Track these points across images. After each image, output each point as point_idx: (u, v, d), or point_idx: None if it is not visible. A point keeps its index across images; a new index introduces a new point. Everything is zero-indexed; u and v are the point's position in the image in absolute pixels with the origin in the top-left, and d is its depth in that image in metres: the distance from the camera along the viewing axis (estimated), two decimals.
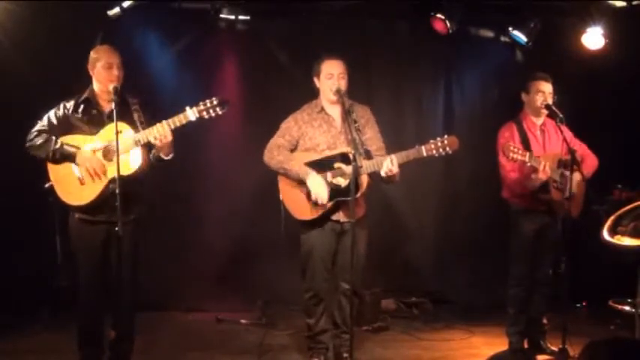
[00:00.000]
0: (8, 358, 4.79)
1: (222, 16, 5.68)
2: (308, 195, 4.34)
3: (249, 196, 6.06)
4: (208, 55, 6.11)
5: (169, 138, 3.95)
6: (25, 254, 5.54)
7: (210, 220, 6.14)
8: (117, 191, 3.70)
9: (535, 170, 4.44)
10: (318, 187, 4.28)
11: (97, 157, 3.95)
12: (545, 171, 4.41)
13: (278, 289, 5.96)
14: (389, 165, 4.17)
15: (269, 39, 6.16)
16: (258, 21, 5.84)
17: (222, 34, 5.93)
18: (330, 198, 4.30)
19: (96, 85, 4.10)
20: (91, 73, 4.10)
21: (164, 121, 3.94)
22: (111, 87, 3.91)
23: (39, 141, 3.99)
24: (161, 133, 3.91)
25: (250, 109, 5.99)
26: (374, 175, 4.33)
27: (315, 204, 4.32)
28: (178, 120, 3.95)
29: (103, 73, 4.03)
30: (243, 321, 5.71)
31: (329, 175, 4.31)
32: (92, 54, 4.10)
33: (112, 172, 3.86)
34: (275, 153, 4.43)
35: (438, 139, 4.18)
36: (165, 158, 4.04)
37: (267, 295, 5.89)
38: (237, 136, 6.05)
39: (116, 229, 3.71)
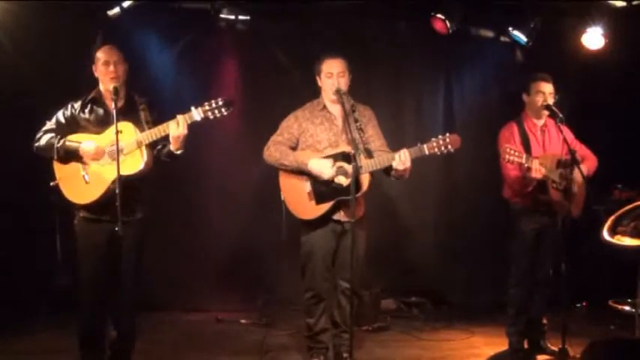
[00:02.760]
0: (8, 358, 4.79)
1: (222, 16, 5.68)
2: (310, 194, 4.35)
3: (249, 196, 6.06)
4: (208, 55, 6.12)
5: (185, 132, 3.93)
6: (25, 254, 5.54)
7: (211, 220, 6.14)
8: (117, 191, 3.70)
9: (530, 170, 4.44)
10: (322, 166, 4.28)
11: (100, 148, 3.95)
12: (537, 170, 4.40)
13: (278, 289, 5.97)
14: (401, 158, 4.16)
15: (269, 39, 6.17)
16: (258, 21, 5.84)
17: (222, 34, 5.93)
18: (332, 197, 4.30)
19: (101, 85, 4.12)
20: (95, 73, 4.12)
21: (180, 116, 3.94)
22: (111, 87, 3.91)
23: (44, 141, 4.02)
24: (181, 125, 3.91)
25: (250, 108, 5.99)
26: (376, 172, 4.33)
27: (319, 200, 4.31)
28: (183, 119, 3.96)
29: (102, 71, 4.04)
30: (243, 321, 5.72)
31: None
32: (96, 54, 4.11)
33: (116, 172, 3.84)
34: (273, 150, 4.44)
35: (440, 137, 4.17)
36: (177, 153, 4.03)
37: (267, 295, 5.89)
38: (237, 135, 6.04)
39: (116, 229, 3.70)
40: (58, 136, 4.00)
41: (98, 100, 4.09)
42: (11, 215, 5.45)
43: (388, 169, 4.28)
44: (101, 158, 3.96)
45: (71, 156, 3.99)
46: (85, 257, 4.07)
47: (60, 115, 4.08)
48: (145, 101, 4.14)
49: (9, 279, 5.43)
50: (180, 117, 3.93)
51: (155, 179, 4.09)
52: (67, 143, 3.98)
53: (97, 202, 3.97)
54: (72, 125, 4.05)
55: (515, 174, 4.65)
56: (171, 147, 3.99)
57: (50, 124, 4.07)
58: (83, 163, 3.99)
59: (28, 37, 5.47)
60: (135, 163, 3.95)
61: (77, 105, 4.09)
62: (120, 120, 3.86)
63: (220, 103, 3.96)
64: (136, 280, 4.11)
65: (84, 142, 3.97)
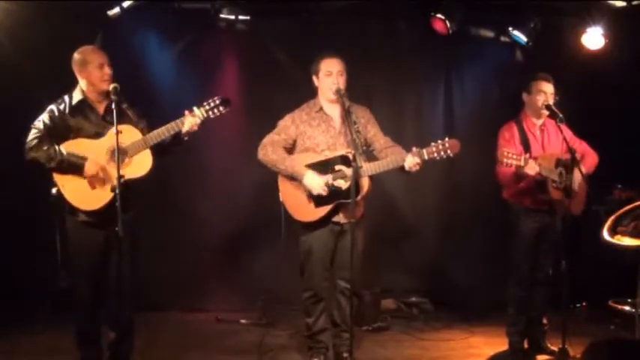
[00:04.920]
0: (8, 358, 4.79)
1: (222, 16, 5.69)
2: (309, 196, 4.35)
3: (249, 195, 6.05)
4: (208, 55, 6.11)
5: (195, 128, 4.03)
6: (25, 254, 5.53)
7: (211, 220, 6.13)
8: (117, 191, 3.69)
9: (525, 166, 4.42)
10: (315, 184, 4.27)
11: (105, 167, 3.93)
12: (532, 168, 4.38)
13: (278, 289, 5.96)
14: (415, 160, 4.17)
15: (269, 39, 6.17)
16: (258, 21, 5.85)
17: (222, 34, 5.93)
18: (331, 200, 4.30)
19: (86, 87, 4.05)
20: (78, 75, 4.06)
21: (196, 109, 4.03)
22: (111, 87, 3.88)
23: (42, 148, 3.92)
24: (194, 121, 3.99)
25: (250, 108, 5.99)
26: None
27: (317, 203, 4.31)
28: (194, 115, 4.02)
29: (97, 74, 4.01)
30: (243, 321, 5.72)
31: (330, 177, 4.30)
32: (78, 56, 4.05)
33: (124, 174, 3.81)
34: (269, 150, 4.42)
35: (439, 141, 4.16)
36: (185, 139, 4.09)
37: (267, 295, 5.89)
38: (236, 135, 6.04)
39: (116, 228, 3.69)
40: (57, 147, 3.92)
41: (86, 103, 4.05)
42: (11, 215, 5.44)
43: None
44: (103, 179, 3.93)
45: (73, 169, 3.93)
46: (83, 260, 4.07)
47: (47, 120, 3.98)
48: (125, 99, 4.11)
49: (9, 279, 5.43)
50: (192, 113, 4.00)
51: (147, 177, 4.08)
52: (72, 158, 3.91)
53: (104, 207, 3.93)
54: (61, 129, 3.98)
55: (505, 170, 4.59)
56: (182, 135, 4.05)
57: (39, 131, 3.96)
58: (77, 151, 3.94)
59: (28, 37, 5.47)
60: (144, 164, 3.96)
61: (63, 108, 4.02)
62: (111, 121, 3.83)
63: (217, 102, 4.04)
64: (132, 279, 4.10)
65: (89, 160, 3.92)
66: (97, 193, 3.95)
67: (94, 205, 3.96)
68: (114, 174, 3.87)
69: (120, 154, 3.78)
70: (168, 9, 5.83)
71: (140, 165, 3.94)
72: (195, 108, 4.00)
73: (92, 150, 3.97)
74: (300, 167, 4.32)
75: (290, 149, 4.47)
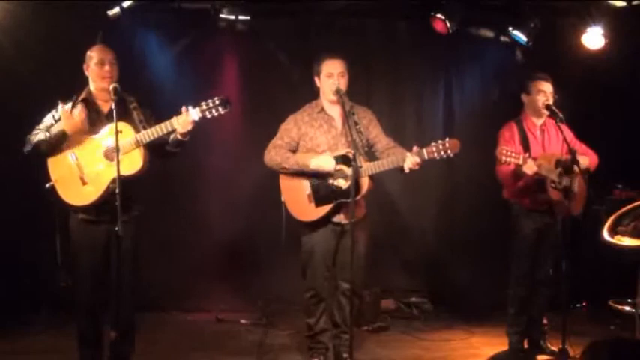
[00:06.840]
0: (8, 358, 4.80)
1: (222, 16, 5.68)
2: (309, 196, 4.35)
3: (250, 196, 6.06)
4: (208, 55, 6.11)
5: (189, 127, 3.95)
6: (25, 254, 5.54)
7: (211, 220, 6.14)
8: (117, 191, 3.69)
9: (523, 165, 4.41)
10: (323, 160, 4.28)
11: (81, 117, 3.94)
12: (530, 167, 4.38)
13: (278, 289, 5.97)
14: (415, 160, 4.17)
15: (269, 39, 6.16)
16: (258, 21, 5.84)
17: (222, 34, 5.92)
18: (331, 200, 4.30)
19: (92, 85, 4.09)
20: (86, 72, 4.10)
21: (191, 108, 3.95)
22: (111, 86, 3.89)
23: (34, 139, 3.98)
24: (187, 120, 3.93)
25: (250, 108, 5.99)
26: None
27: (318, 203, 4.31)
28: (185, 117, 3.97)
29: (96, 70, 4.03)
30: (243, 321, 5.72)
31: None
32: (88, 53, 4.10)
33: (113, 173, 3.83)
34: (273, 154, 4.44)
35: (440, 142, 4.17)
36: (185, 140, 4.03)
37: (267, 295, 5.89)
38: (237, 135, 6.05)
39: (116, 228, 3.70)
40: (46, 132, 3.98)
41: (89, 101, 4.07)
42: (11, 215, 5.44)
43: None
44: (83, 125, 3.93)
45: (61, 139, 3.94)
46: (84, 259, 4.07)
47: (49, 118, 4.04)
48: (134, 99, 4.13)
49: (9, 279, 5.43)
50: (186, 112, 3.95)
51: (148, 177, 4.08)
52: (53, 128, 3.95)
53: (95, 203, 3.96)
54: None
55: (505, 169, 4.61)
56: (179, 136, 4.00)
57: (39, 129, 4.02)
58: (71, 146, 3.95)
59: (28, 37, 5.47)
60: (134, 162, 3.95)
61: (67, 106, 4.03)
62: (112, 121, 3.83)
63: (217, 102, 3.96)
64: (133, 279, 4.10)
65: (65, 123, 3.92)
66: (87, 188, 3.97)
67: (84, 201, 3.97)
68: (106, 170, 3.92)
69: (113, 151, 3.80)
70: (168, 9, 5.82)
71: (131, 163, 3.94)
72: (190, 107, 3.96)
73: (85, 145, 3.99)
74: (305, 159, 4.33)
75: (294, 151, 4.48)
